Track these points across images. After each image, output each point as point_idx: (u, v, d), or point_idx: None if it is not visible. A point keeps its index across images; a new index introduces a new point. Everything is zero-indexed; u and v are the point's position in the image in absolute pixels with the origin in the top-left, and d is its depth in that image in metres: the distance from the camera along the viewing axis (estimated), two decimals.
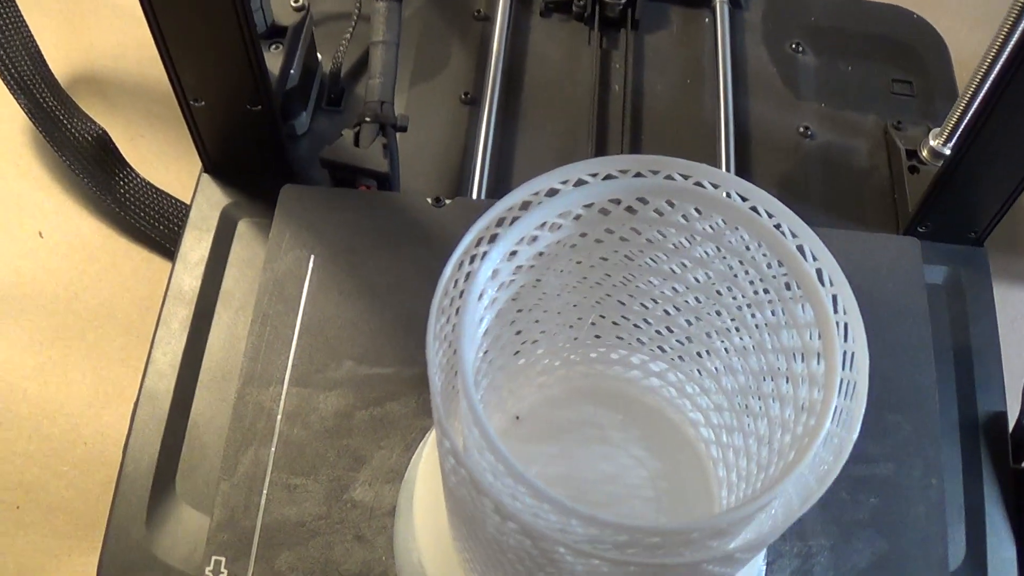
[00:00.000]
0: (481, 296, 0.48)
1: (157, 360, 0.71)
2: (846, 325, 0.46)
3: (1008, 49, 0.70)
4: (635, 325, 0.59)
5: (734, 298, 0.52)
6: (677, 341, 0.58)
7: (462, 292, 0.47)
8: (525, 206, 0.49)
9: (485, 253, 0.47)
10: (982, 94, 0.73)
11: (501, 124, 0.84)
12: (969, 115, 0.76)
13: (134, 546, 0.65)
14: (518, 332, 0.57)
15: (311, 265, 0.71)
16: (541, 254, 0.51)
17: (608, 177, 0.49)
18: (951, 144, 0.79)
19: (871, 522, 0.65)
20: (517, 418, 0.63)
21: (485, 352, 0.54)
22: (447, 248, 0.71)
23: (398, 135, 0.77)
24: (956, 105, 0.77)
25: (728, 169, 0.80)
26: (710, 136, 0.83)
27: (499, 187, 0.80)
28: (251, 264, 0.75)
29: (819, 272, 0.47)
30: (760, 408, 0.53)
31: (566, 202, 0.48)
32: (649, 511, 0.60)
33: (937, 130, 0.81)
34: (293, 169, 0.78)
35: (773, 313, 0.50)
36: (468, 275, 0.47)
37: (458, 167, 0.81)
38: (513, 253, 0.49)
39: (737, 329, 0.53)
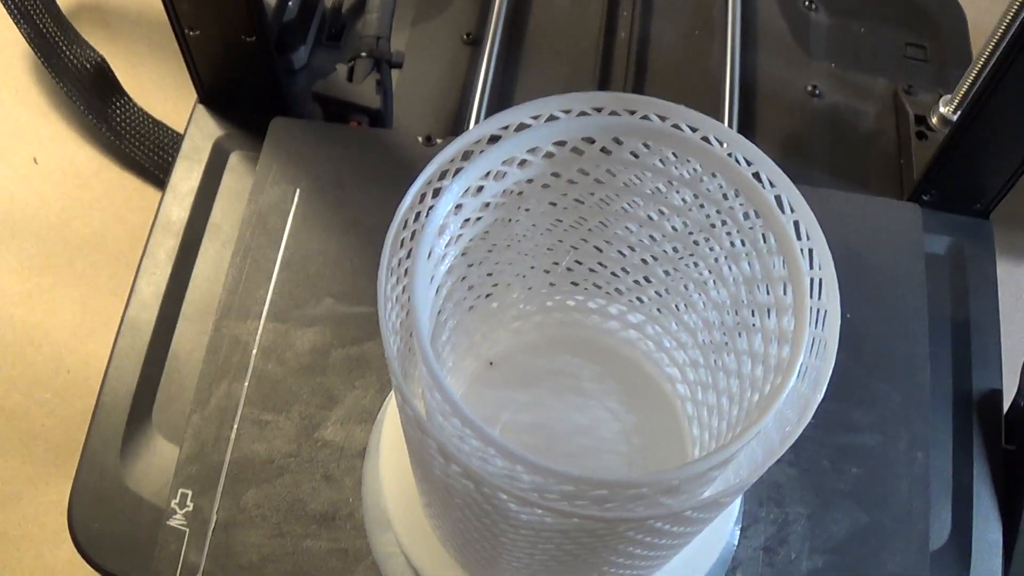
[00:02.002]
0: (442, 232, 0.45)
1: (141, 290, 0.69)
2: (820, 281, 0.42)
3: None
4: (612, 273, 0.56)
5: (711, 249, 0.49)
6: (655, 292, 0.55)
7: (415, 233, 0.44)
8: (494, 140, 0.45)
9: (445, 188, 0.44)
10: (994, 60, 0.68)
11: (501, 67, 0.80)
12: (980, 82, 0.71)
13: (107, 476, 0.63)
14: (488, 274, 0.54)
15: (296, 199, 0.68)
16: (510, 192, 0.48)
17: (582, 114, 0.46)
18: (961, 111, 0.75)
19: (852, 493, 0.61)
20: (491, 364, 0.60)
21: (450, 292, 0.51)
22: None
23: (395, 73, 0.74)
24: (968, 72, 0.72)
25: (731, 125, 0.76)
26: (715, 90, 0.78)
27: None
28: (240, 197, 0.72)
29: (796, 224, 0.44)
30: (733, 365, 0.50)
31: (535, 137, 0.45)
32: (620, 466, 0.57)
33: (948, 97, 0.76)
34: (288, 103, 0.75)
35: (749, 266, 0.47)
36: (429, 209, 0.44)
37: (454, 108, 0.78)
38: (479, 188, 0.46)
39: (714, 282, 0.50)
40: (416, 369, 0.45)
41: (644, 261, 0.53)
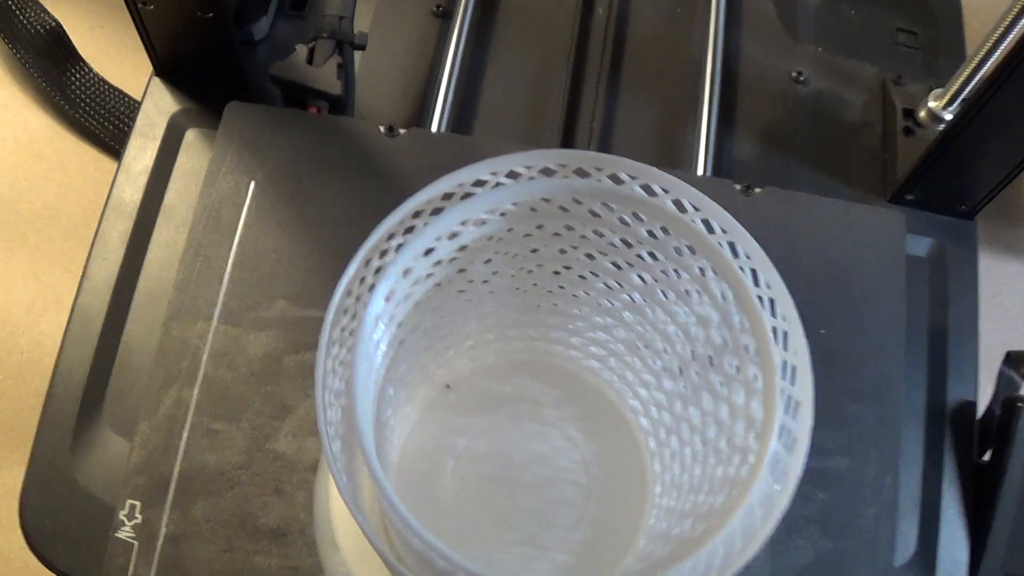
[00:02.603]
0: (379, 319, 0.41)
1: (92, 276, 0.64)
2: (793, 368, 0.39)
3: None
4: (575, 311, 0.52)
5: (679, 308, 0.45)
6: (617, 332, 0.51)
7: (353, 324, 0.40)
8: (447, 197, 0.41)
9: (379, 269, 0.40)
10: (994, 60, 0.63)
11: (472, 44, 0.74)
12: (976, 81, 0.66)
13: (58, 471, 0.60)
14: (441, 317, 0.50)
15: (251, 192, 0.63)
16: (464, 247, 0.44)
17: (545, 171, 0.41)
18: (952, 108, 0.70)
19: (817, 518, 0.58)
20: (447, 386, 0.56)
21: (402, 342, 0.47)
22: (397, 182, 0.64)
23: (357, 53, 0.69)
24: (963, 68, 0.67)
25: (711, 110, 0.71)
26: (695, 72, 0.73)
27: (462, 120, 0.71)
28: (196, 177, 0.67)
29: (771, 303, 0.40)
30: (698, 422, 0.47)
31: (490, 201, 0.41)
32: (578, 497, 0.54)
33: (939, 91, 0.71)
34: (247, 78, 0.70)
35: (719, 337, 0.43)
36: (370, 288, 0.40)
37: (421, 92, 0.72)
38: (429, 250, 0.42)
39: (680, 338, 0.46)
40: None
41: (608, 303, 0.49)
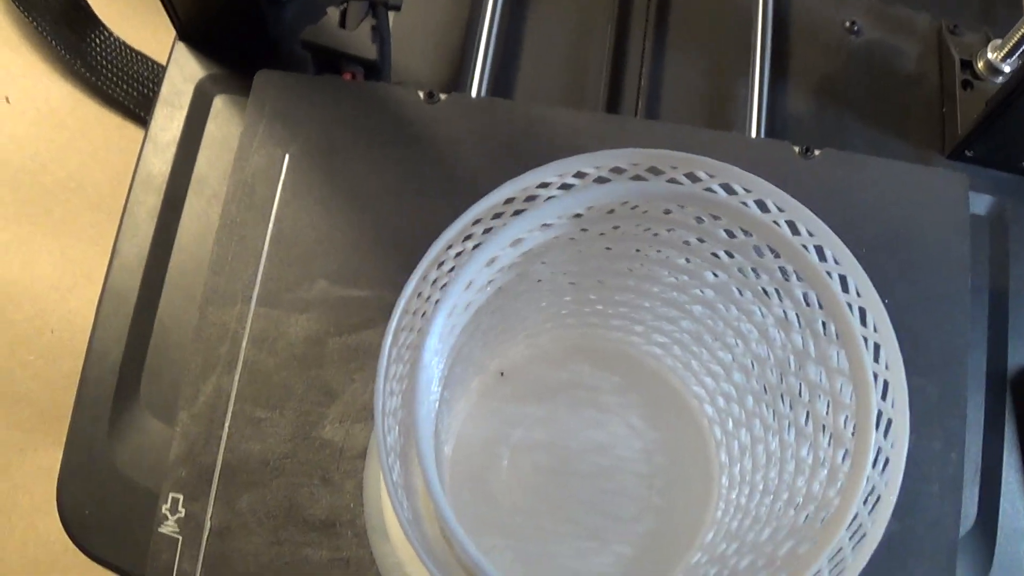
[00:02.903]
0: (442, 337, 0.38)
1: (123, 252, 0.61)
2: (885, 382, 0.35)
3: None
4: (638, 304, 0.48)
5: (759, 309, 0.42)
6: (686, 324, 0.48)
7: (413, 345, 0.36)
8: (510, 202, 0.38)
9: (437, 302, 0.36)
10: None
11: (511, 1, 0.70)
12: None
13: (95, 457, 0.57)
14: (500, 318, 0.47)
15: (285, 166, 0.60)
16: (529, 252, 0.40)
17: (615, 170, 0.38)
18: (1011, 60, 0.65)
19: None
20: (501, 374, 0.53)
21: (460, 348, 0.44)
22: (439, 151, 0.61)
23: (392, 15, 0.64)
24: (1021, 23, 0.63)
25: (763, 63, 0.66)
26: (745, 26, 0.68)
27: (501, 82, 0.67)
28: (226, 146, 0.63)
29: (862, 312, 0.36)
30: (772, 422, 0.44)
31: (561, 207, 0.37)
32: (640, 488, 0.51)
33: (997, 42, 0.66)
34: (276, 41, 0.66)
35: (802, 342, 0.39)
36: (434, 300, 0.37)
37: (459, 53, 0.68)
38: (493, 259, 0.39)
39: (757, 337, 0.43)
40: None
41: (676, 296, 0.46)
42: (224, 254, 0.58)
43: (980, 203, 0.65)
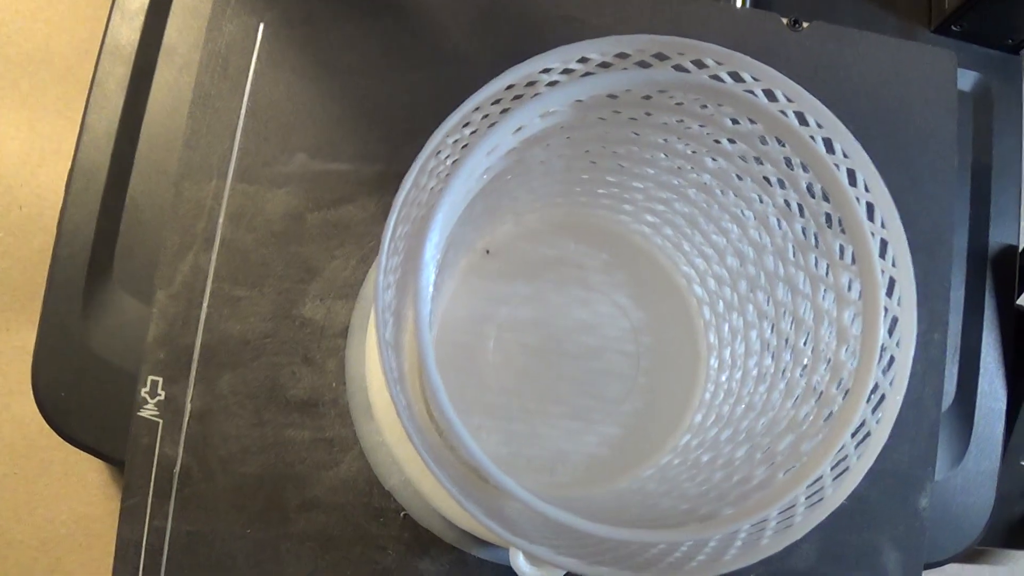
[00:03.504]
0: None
1: (92, 126, 0.57)
2: (891, 280, 0.33)
3: None
4: (633, 184, 0.46)
5: (758, 197, 0.40)
6: (678, 206, 0.45)
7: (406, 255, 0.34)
8: (510, 88, 0.35)
9: (440, 191, 0.34)
10: None
11: None
12: None
13: (69, 338, 0.54)
14: (491, 201, 0.44)
15: (260, 35, 0.56)
16: (528, 139, 0.38)
17: (620, 55, 0.35)
18: None
19: None
20: (487, 252, 0.51)
21: (450, 234, 0.41)
22: (422, 21, 0.57)
23: None
24: None
25: None
26: None
27: None
28: (197, 14, 0.59)
29: (869, 206, 0.34)
30: (768, 309, 0.42)
31: (564, 94, 0.34)
32: (627, 368, 0.50)
33: None
34: None
35: (804, 234, 0.37)
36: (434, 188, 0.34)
37: None
38: (492, 149, 0.36)
39: (753, 220, 0.41)
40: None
41: (673, 180, 0.44)
42: (198, 128, 0.54)
43: (965, 79, 0.62)
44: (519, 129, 0.37)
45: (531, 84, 0.37)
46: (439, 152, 0.36)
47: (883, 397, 0.34)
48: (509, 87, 0.36)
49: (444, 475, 0.31)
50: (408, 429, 0.31)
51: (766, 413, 0.40)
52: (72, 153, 0.57)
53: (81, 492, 0.63)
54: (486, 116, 0.37)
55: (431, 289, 0.40)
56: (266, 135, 0.54)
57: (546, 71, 0.36)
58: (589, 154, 0.44)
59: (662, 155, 0.43)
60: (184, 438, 0.51)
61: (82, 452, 0.54)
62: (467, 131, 0.37)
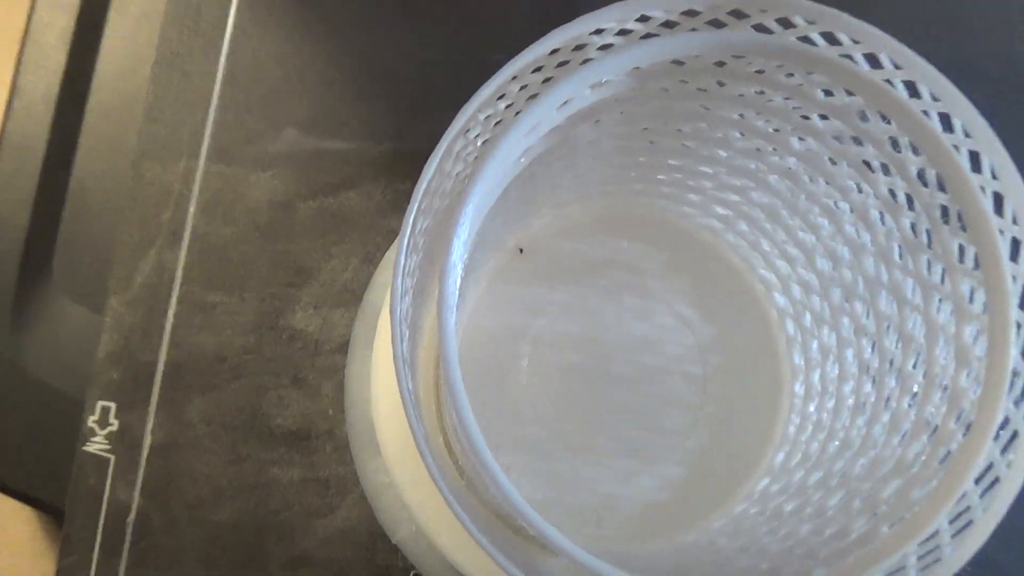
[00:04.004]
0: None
1: (25, 91, 0.62)
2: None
3: None
4: (698, 170, 0.50)
5: (857, 186, 0.44)
6: (753, 196, 0.50)
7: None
8: (555, 53, 0.39)
9: (468, 178, 0.38)
10: None
11: None
12: None
13: None
14: (528, 189, 0.48)
15: None
16: (575, 115, 0.42)
17: (688, 13, 0.39)
18: None
19: None
20: (520, 251, 0.55)
21: (479, 230, 0.46)
22: None
23: None
24: None
25: None
26: None
27: None
28: None
29: (998, 198, 0.38)
30: (868, 323, 0.46)
31: (619, 61, 0.39)
32: (692, 394, 0.54)
33: None
34: None
35: (914, 229, 0.41)
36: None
37: None
38: (535, 125, 0.40)
39: (849, 214, 0.45)
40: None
41: (749, 165, 0.48)
42: (163, 95, 0.59)
43: None
44: (565, 103, 0.40)
45: (580, 48, 0.40)
46: (468, 131, 0.39)
47: (1015, 434, 0.36)
48: (553, 52, 0.39)
49: (473, 524, 0.34)
50: (430, 467, 0.35)
51: (866, 452, 0.43)
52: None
53: (3, 550, 0.67)
54: (524, 87, 0.40)
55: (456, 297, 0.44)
56: (248, 105, 0.59)
57: (598, 32, 0.39)
58: (648, 133, 0.48)
59: (737, 134, 0.46)
60: (142, 478, 0.56)
61: (8, 498, 0.58)
62: (502, 105, 0.40)
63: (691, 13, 0.38)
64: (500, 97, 0.39)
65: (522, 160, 0.43)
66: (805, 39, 0.39)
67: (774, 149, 0.46)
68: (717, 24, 0.40)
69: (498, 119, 0.41)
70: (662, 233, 0.56)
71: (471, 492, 0.42)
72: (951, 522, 0.36)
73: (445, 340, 0.35)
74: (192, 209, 0.58)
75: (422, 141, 0.55)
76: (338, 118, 0.60)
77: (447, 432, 0.47)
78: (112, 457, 0.56)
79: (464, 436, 0.34)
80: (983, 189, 0.37)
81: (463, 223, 0.37)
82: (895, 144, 0.39)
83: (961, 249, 0.39)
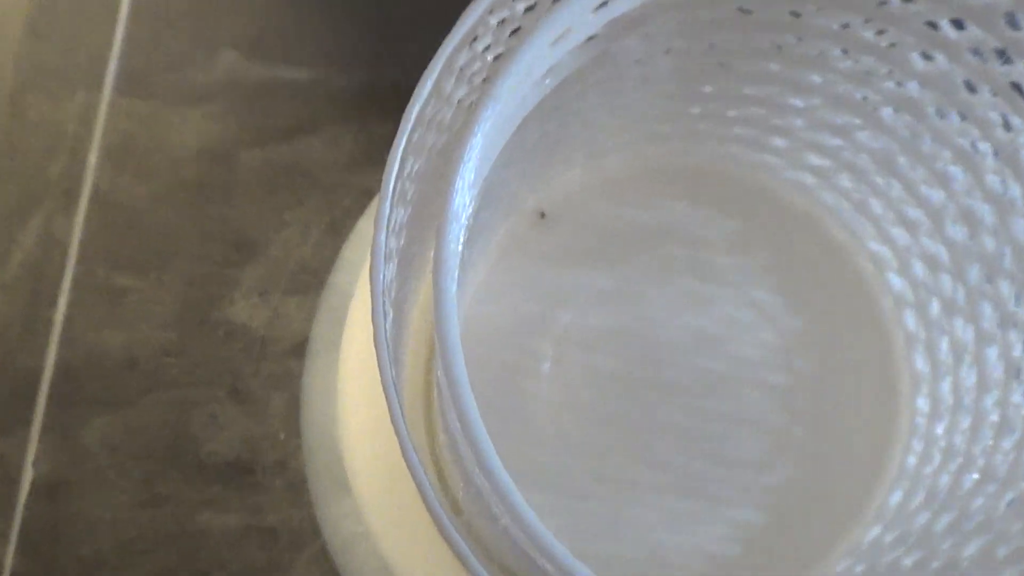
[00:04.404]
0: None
1: None
2: None
3: None
4: (783, 103, 0.48)
5: (1002, 120, 0.42)
6: (859, 139, 0.48)
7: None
8: None
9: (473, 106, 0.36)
10: None
11: None
12: None
13: None
14: (553, 125, 0.46)
15: None
16: (616, 20, 0.40)
17: None
18: None
19: None
20: (542, 215, 0.53)
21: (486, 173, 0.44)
22: None
23: None
24: None
25: None
26: None
27: None
28: None
29: None
30: (1019, 310, 0.44)
31: None
32: (775, 413, 0.52)
33: None
34: None
35: None
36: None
37: None
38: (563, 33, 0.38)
39: (991, 159, 0.43)
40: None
41: (854, 94, 0.46)
42: (51, 4, 0.58)
43: None
44: (603, 3, 0.39)
45: None
46: (474, 40, 0.37)
47: None
48: None
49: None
50: (427, 496, 0.33)
51: (1015, 485, 0.42)
52: None
53: None
54: None
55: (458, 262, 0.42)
56: (169, 17, 0.58)
57: None
58: (716, 51, 0.46)
59: (837, 51, 0.45)
60: (18, 528, 0.54)
61: None
62: (520, 6, 0.39)
63: None
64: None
65: (547, 82, 0.41)
66: None
67: (888, 71, 0.45)
68: None
69: (515, 25, 0.40)
70: (733, 192, 0.54)
71: (471, 540, 0.40)
72: None
73: (443, 317, 0.33)
74: (92, 160, 0.57)
75: (407, 69, 0.53)
76: (293, 37, 0.59)
77: (438, 452, 0.47)
78: None
79: (471, 447, 0.33)
80: None
81: (467, 162, 0.35)
82: None
83: None
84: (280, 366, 0.56)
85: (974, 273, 0.47)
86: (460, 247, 0.37)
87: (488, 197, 0.48)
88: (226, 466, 0.55)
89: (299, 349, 0.56)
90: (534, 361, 0.52)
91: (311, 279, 0.56)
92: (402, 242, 0.39)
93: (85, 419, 0.55)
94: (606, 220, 0.53)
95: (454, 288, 0.34)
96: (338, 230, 0.57)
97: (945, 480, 0.47)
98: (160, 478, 0.54)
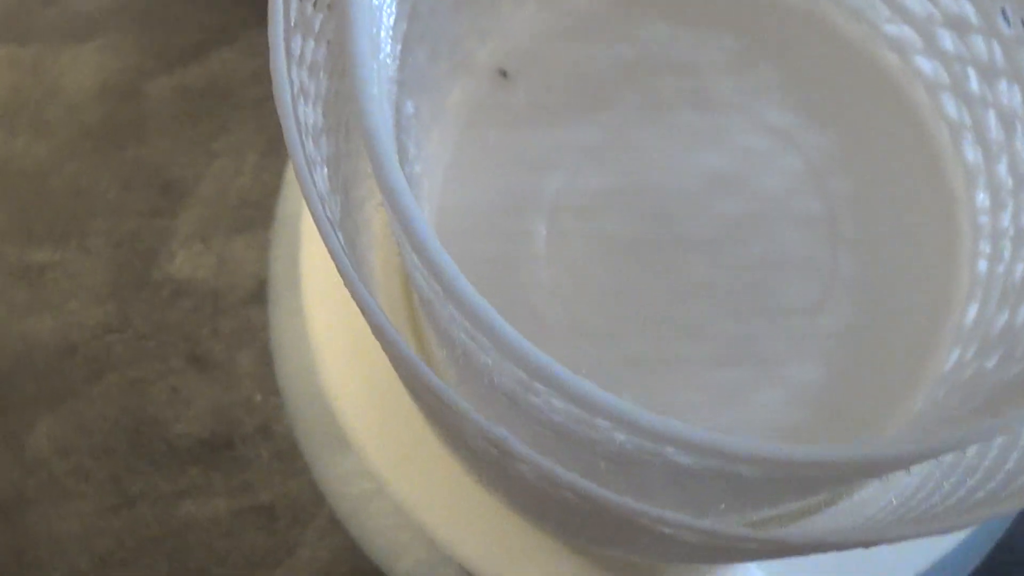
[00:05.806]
0: None
1: None
2: None
3: None
4: None
5: None
6: None
7: None
8: None
9: None
10: None
11: None
12: None
13: None
14: None
15: None
16: None
17: None
18: None
19: None
20: (503, 74, 0.54)
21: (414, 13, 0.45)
22: None
23: None
24: None
25: None
26: None
27: None
28: None
29: None
30: None
31: None
32: (817, 245, 0.52)
33: None
34: None
35: None
36: None
37: None
38: None
39: None
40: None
41: None
42: None
43: None
44: None
45: None
46: None
47: None
48: None
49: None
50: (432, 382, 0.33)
51: None
52: None
53: None
54: None
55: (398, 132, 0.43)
56: None
57: None
58: None
59: None
60: None
61: None
62: None
63: None
64: None
65: None
66: None
67: None
68: None
69: None
70: (723, 2, 0.54)
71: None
72: None
73: (375, 143, 0.34)
74: None
75: None
76: None
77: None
78: None
79: (433, 274, 0.33)
80: None
81: None
82: None
83: None
84: (239, 319, 0.56)
85: (1006, 19, 0.47)
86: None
87: (432, 52, 0.50)
88: (200, 445, 0.55)
89: (257, 296, 0.56)
90: (526, 244, 0.52)
91: (256, 212, 0.57)
92: (324, 90, 0.39)
93: (27, 423, 0.55)
94: (577, 63, 0.54)
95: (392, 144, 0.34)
96: (277, 150, 0.57)
97: (1021, 269, 0.47)
98: (127, 474, 0.55)
